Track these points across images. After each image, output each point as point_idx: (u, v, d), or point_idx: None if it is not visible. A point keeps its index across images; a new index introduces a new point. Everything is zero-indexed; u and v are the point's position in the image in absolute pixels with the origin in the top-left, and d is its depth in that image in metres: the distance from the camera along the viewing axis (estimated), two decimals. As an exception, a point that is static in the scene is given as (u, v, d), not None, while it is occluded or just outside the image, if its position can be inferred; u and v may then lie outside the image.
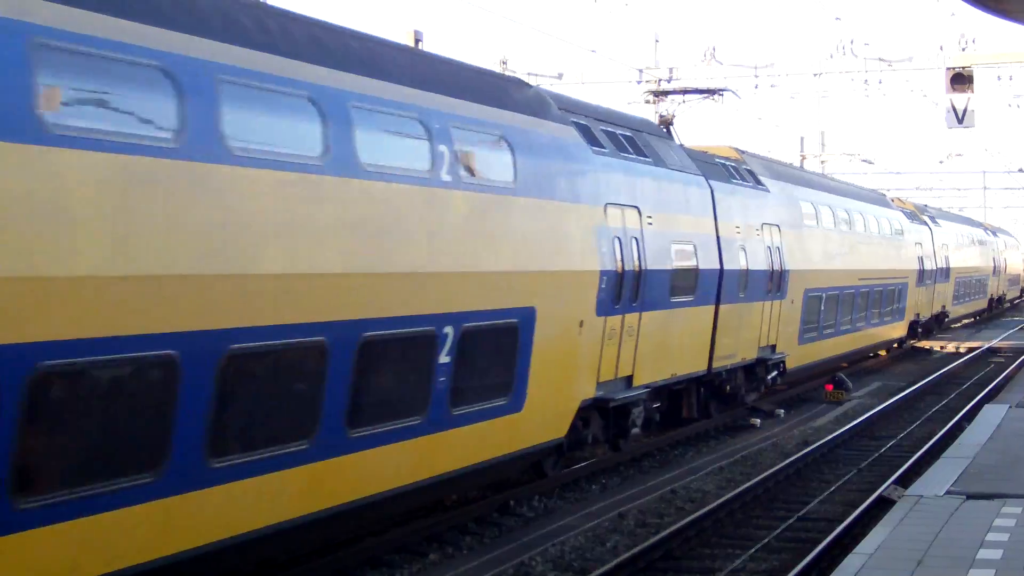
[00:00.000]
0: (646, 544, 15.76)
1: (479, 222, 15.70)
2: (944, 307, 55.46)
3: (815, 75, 45.36)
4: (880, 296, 39.18)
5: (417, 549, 15.89)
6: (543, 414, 17.89)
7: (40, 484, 9.88)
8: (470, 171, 15.68)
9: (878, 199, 44.43)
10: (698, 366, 24.37)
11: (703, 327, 24.20)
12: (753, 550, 16.18)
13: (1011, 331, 59.61)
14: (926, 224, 51.10)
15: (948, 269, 55.36)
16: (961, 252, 60.61)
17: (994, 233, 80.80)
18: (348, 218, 13.21)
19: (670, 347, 22.50)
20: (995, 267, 75.26)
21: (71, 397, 10.14)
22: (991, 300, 75.01)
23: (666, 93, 29.09)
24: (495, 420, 16.49)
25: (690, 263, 23.17)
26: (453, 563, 15.44)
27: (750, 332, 27.16)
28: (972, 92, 23.39)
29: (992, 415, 25.04)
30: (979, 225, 77.13)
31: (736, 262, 25.60)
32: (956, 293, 59.05)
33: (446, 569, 15.13)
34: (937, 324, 54.77)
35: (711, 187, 24.95)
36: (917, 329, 49.33)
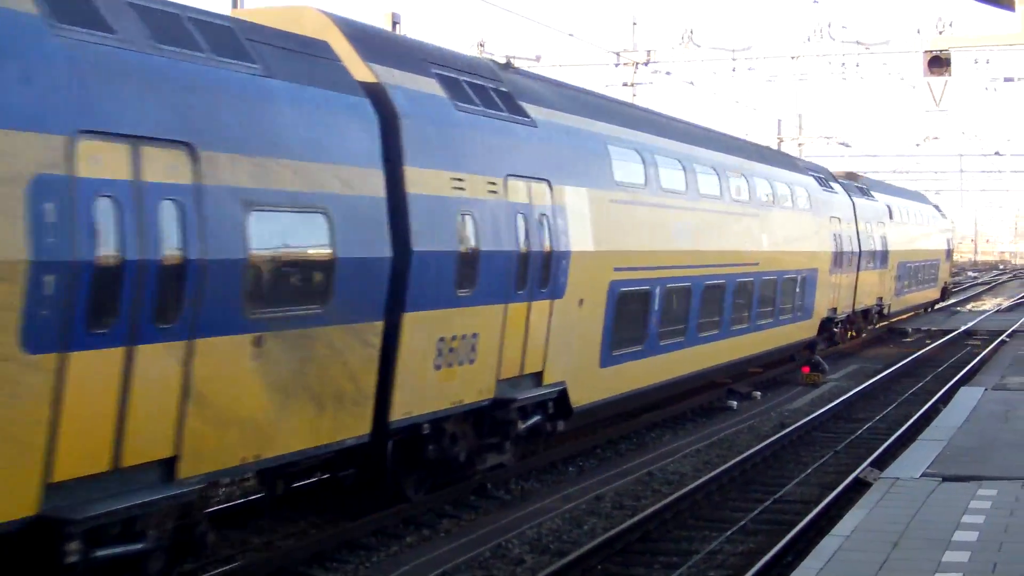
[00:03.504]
0: (623, 526, 15.78)
1: None
2: (881, 299, 44.69)
3: (792, 58, 45.49)
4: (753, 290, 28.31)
5: (394, 532, 15.87)
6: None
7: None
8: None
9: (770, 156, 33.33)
10: None
11: None
12: (730, 532, 16.21)
13: None
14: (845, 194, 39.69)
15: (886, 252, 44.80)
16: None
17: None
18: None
19: None
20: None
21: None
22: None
23: None
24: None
25: None
26: (430, 546, 15.43)
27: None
28: (950, 75, 23.43)
29: (968, 397, 25.14)
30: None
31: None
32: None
33: (423, 552, 15.11)
34: (866, 321, 43.73)
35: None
36: (833, 329, 38.21)
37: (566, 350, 19.02)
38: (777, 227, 30.15)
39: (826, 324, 36.19)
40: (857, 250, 39.08)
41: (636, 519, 16.15)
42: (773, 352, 31.39)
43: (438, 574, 14.17)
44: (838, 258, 36.10)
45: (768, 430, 24.51)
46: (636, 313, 21.86)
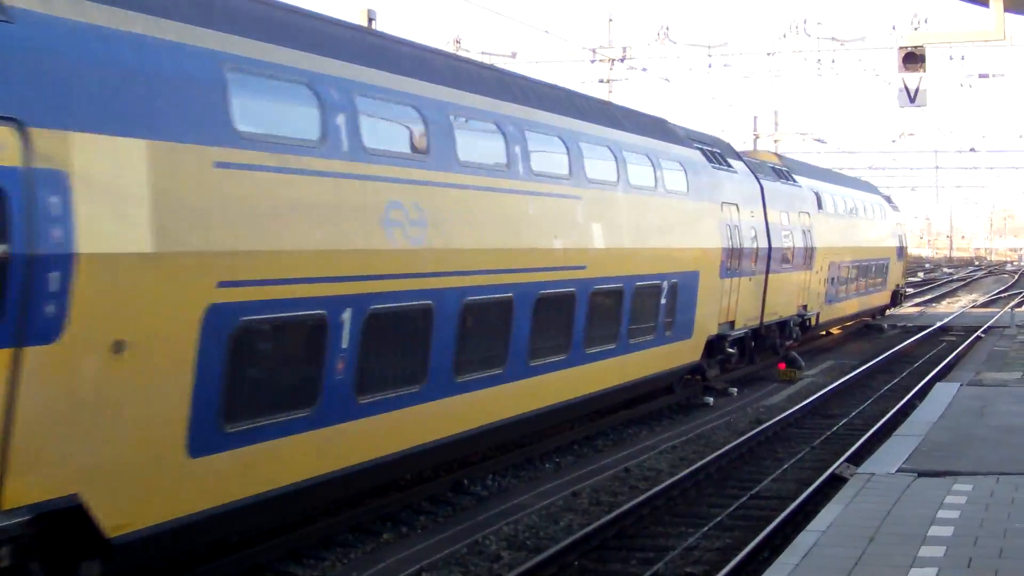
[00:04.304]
0: (600, 522, 15.78)
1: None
2: (805, 308, 36.18)
3: (768, 54, 45.61)
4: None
5: (370, 528, 15.85)
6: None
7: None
8: None
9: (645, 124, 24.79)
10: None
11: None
12: (706, 528, 16.23)
13: None
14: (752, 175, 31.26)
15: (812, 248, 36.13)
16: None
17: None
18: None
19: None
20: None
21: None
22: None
23: None
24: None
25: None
26: (407, 542, 15.41)
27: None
28: (924, 71, 23.43)
29: (943, 393, 25.20)
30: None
31: None
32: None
33: (400, 548, 15.09)
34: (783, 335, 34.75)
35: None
36: (727, 350, 29.08)
37: (77, 436, 10.35)
38: (624, 215, 21.54)
39: (717, 343, 28.08)
40: (766, 246, 31.04)
41: (613, 515, 16.15)
42: (624, 389, 22.85)
43: (415, 571, 14.16)
44: (734, 257, 27.98)
45: (744, 426, 24.55)
46: (290, 357, 13.34)
